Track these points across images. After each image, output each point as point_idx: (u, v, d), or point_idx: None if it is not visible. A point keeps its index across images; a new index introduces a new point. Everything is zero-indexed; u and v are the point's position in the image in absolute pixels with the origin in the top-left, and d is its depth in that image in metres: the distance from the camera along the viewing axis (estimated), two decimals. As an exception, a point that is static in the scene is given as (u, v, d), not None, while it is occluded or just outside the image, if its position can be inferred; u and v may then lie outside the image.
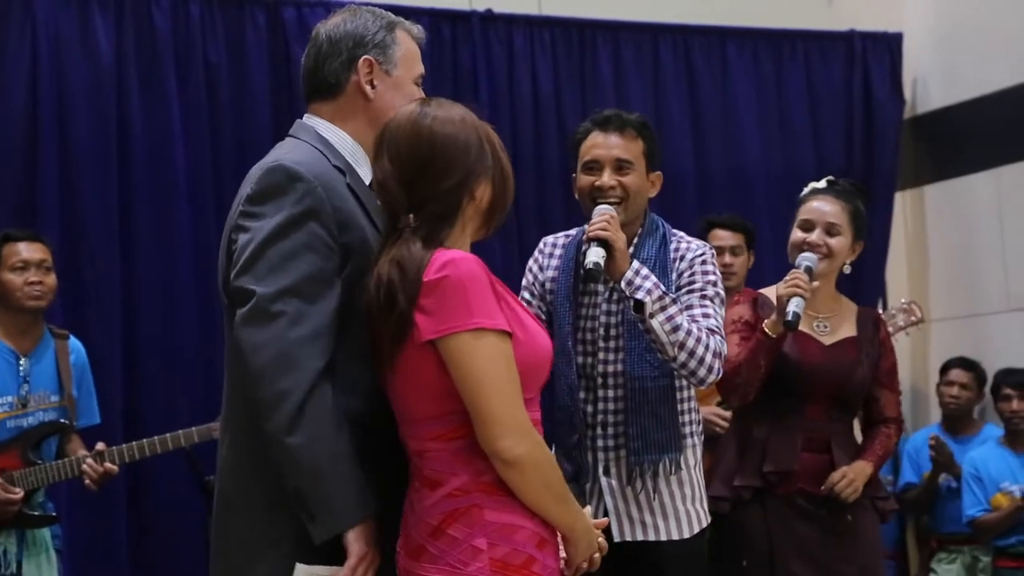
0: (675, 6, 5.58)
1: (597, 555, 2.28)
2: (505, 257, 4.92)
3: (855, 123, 5.75)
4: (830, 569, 3.34)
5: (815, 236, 3.35)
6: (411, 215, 2.18)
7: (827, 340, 3.40)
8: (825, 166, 5.66)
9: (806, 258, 3.30)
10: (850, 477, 3.33)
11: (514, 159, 5.45)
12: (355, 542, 2.15)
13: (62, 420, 3.86)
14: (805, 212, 3.41)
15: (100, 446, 3.74)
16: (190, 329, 4.56)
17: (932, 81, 5.86)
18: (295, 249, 2.20)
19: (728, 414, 4.24)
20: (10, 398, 3.76)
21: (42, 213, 4.44)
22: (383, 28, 2.47)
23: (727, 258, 4.51)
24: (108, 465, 3.72)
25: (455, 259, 2.13)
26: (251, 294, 2.18)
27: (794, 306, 3.15)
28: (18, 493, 3.65)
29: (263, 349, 2.16)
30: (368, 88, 2.43)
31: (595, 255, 2.85)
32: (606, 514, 3.02)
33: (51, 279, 3.88)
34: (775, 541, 3.33)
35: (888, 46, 5.83)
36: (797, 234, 3.38)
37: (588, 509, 2.35)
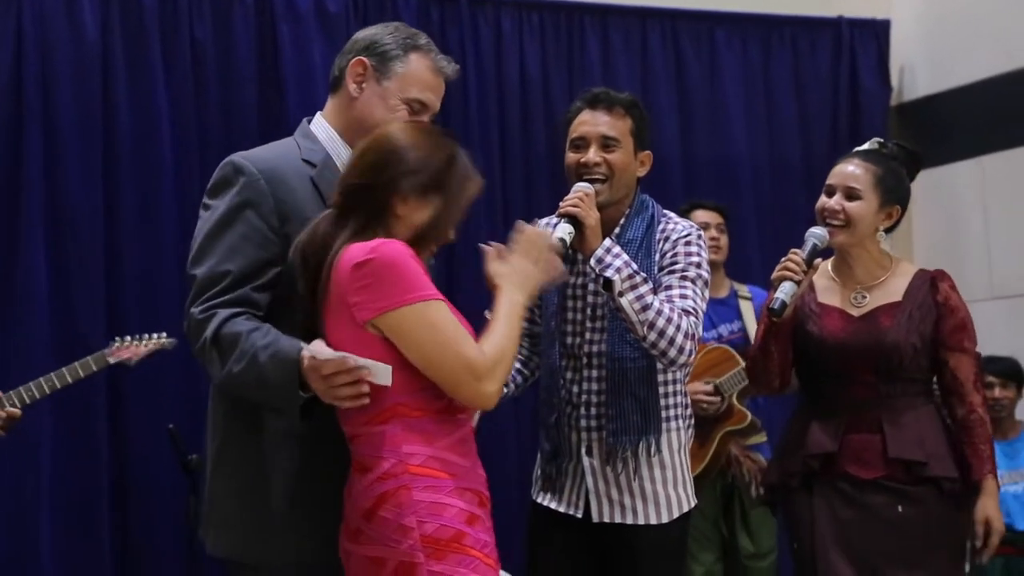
0: (663, -11, 5.58)
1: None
2: (493, 240, 4.90)
3: (841, 109, 5.76)
4: (869, 563, 3.09)
5: (833, 201, 3.17)
6: (338, 195, 2.35)
7: (860, 311, 3.18)
8: (811, 152, 5.70)
9: (813, 234, 3.15)
10: (981, 530, 3.11)
11: (501, 142, 5.53)
12: (313, 357, 2.24)
13: None
14: (830, 176, 3.24)
15: None
16: (175, 307, 4.49)
17: (919, 69, 5.87)
18: (230, 238, 2.39)
19: (710, 388, 4.27)
20: None
21: (26, 190, 4.42)
22: (400, 44, 2.57)
23: (714, 232, 4.55)
24: (10, 410, 3.69)
25: (385, 242, 2.27)
26: (192, 279, 2.41)
27: (782, 293, 3.05)
28: None
29: (192, 319, 2.38)
30: (354, 87, 2.55)
31: (561, 231, 2.85)
32: (587, 494, 3.02)
33: None
34: (817, 528, 3.13)
35: (876, 33, 5.83)
36: (820, 200, 3.22)
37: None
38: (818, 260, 3.12)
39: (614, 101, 3.06)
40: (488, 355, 2.27)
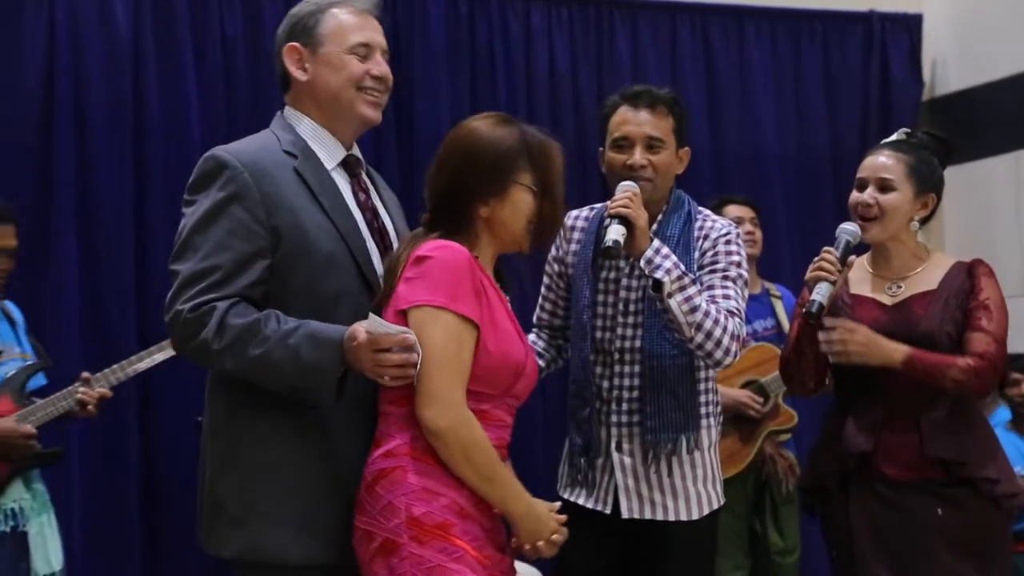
0: (693, -16, 5.56)
1: (542, 543, 2.40)
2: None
3: (872, 104, 5.72)
4: (909, 569, 2.96)
5: (866, 195, 3.07)
6: (428, 213, 2.44)
7: (893, 300, 3.07)
8: (841, 147, 5.66)
9: (844, 231, 3.05)
10: (848, 331, 2.94)
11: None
12: (352, 354, 2.28)
13: (41, 362, 3.84)
14: (860, 170, 3.14)
15: (85, 374, 3.76)
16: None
17: (951, 63, 5.82)
18: (217, 233, 2.37)
19: (758, 397, 4.26)
20: None
21: (58, 186, 4.45)
22: (313, 11, 2.57)
23: (748, 226, 4.53)
24: (101, 390, 3.73)
25: (445, 245, 2.34)
26: (176, 275, 2.38)
27: (818, 295, 2.95)
28: (32, 430, 3.63)
29: (173, 321, 2.36)
30: (300, 72, 2.56)
31: (615, 233, 2.82)
32: (616, 490, 3.02)
33: (11, 264, 3.83)
34: (855, 537, 3.02)
35: (907, 27, 5.79)
36: (852, 195, 3.12)
37: (542, 502, 2.45)
38: (852, 257, 3.05)
39: (657, 99, 3.03)
40: (450, 398, 2.28)
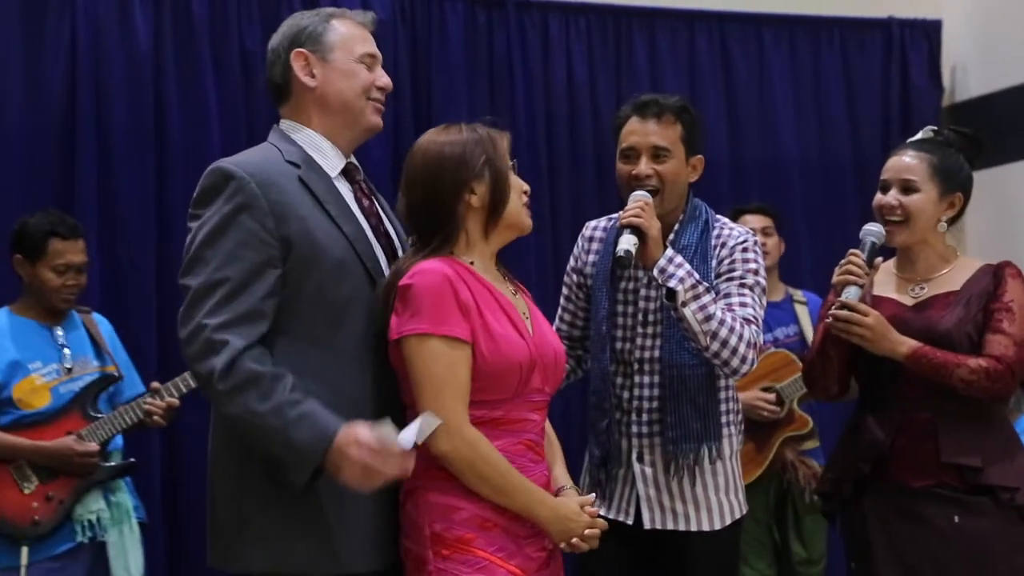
0: (711, -7, 5.56)
1: (576, 540, 2.43)
2: (539, 245, 4.92)
3: (892, 111, 5.70)
4: None
5: (890, 197, 3.00)
6: (415, 236, 2.47)
7: (914, 301, 3.00)
8: (861, 154, 5.64)
9: (869, 232, 2.99)
10: (861, 312, 2.85)
11: (548, 146, 5.51)
12: (339, 461, 2.26)
13: (113, 374, 3.92)
14: (884, 171, 3.06)
15: (155, 384, 3.85)
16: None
17: (971, 69, 5.79)
18: (227, 245, 2.36)
19: (772, 397, 4.24)
20: (55, 365, 3.82)
21: (79, 197, 4.48)
22: (317, 21, 2.58)
23: (759, 237, 4.50)
24: (169, 399, 3.80)
25: (422, 270, 2.37)
26: (187, 289, 2.37)
27: (846, 297, 2.91)
28: (94, 446, 3.71)
29: (190, 337, 2.34)
30: (308, 79, 2.56)
31: (626, 242, 2.82)
32: (637, 501, 3.01)
33: (84, 279, 3.95)
34: (872, 543, 2.96)
35: (927, 33, 5.77)
36: (876, 197, 3.05)
37: (568, 496, 2.48)
38: (879, 259, 3.00)
39: (664, 108, 3.02)
40: (449, 421, 2.30)
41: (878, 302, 3.02)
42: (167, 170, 4.62)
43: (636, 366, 3.02)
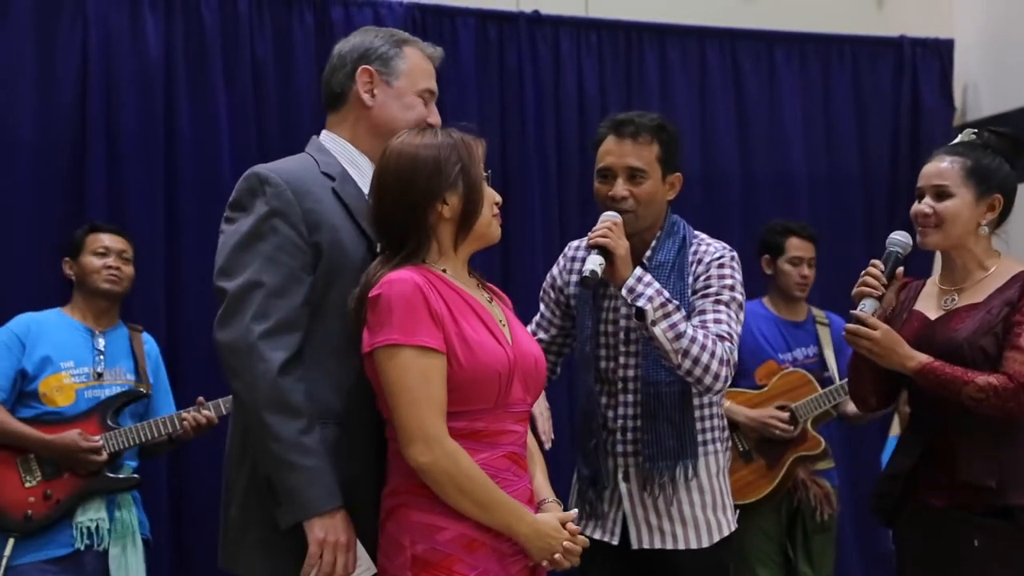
0: (722, 9, 5.55)
1: (558, 556, 2.37)
2: (547, 261, 4.88)
3: (903, 130, 5.69)
4: None
5: (923, 205, 2.91)
6: (384, 241, 2.40)
7: (940, 314, 2.92)
8: (872, 173, 5.64)
9: (894, 242, 2.92)
10: (871, 327, 2.80)
11: (559, 161, 5.51)
12: (315, 530, 2.32)
13: (141, 389, 3.95)
14: (919, 178, 2.97)
15: (200, 399, 3.89)
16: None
17: (982, 88, 5.79)
18: (263, 249, 2.38)
19: (786, 415, 4.23)
20: (86, 369, 3.86)
21: (90, 205, 4.48)
22: (391, 44, 2.62)
23: (804, 270, 4.48)
24: (206, 413, 3.84)
25: (391, 280, 2.31)
26: (224, 293, 2.39)
27: (862, 310, 2.86)
28: (99, 443, 3.72)
29: (231, 344, 2.36)
30: (367, 96, 2.58)
31: (592, 263, 2.82)
32: (624, 520, 2.99)
33: (129, 269, 4.04)
34: (905, 564, 2.94)
35: (939, 52, 5.76)
36: (913, 206, 2.96)
37: (550, 509, 2.44)
38: (900, 270, 2.92)
39: (640, 128, 3.00)
40: (427, 432, 2.26)
41: (911, 315, 2.96)
42: (177, 177, 4.63)
43: (620, 385, 3.02)
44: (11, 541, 3.63)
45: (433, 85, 2.63)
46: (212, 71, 4.69)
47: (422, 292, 2.30)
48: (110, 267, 3.96)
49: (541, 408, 3.12)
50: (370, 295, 2.32)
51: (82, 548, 3.72)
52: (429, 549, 2.27)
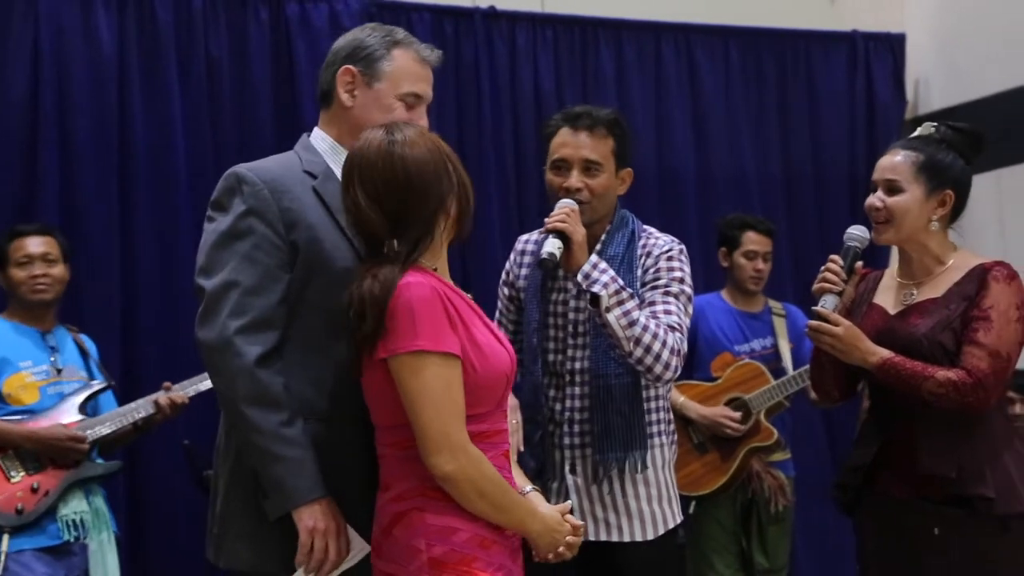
0: (677, 5, 5.58)
1: (562, 548, 2.40)
2: (506, 255, 4.85)
3: (857, 124, 5.75)
4: None
5: (874, 199, 2.94)
6: (394, 240, 2.31)
7: (899, 309, 2.94)
8: (826, 167, 5.69)
9: (852, 237, 2.96)
10: (833, 323, 2.84)
11: (516, 156, 5.52)
12: (304, 519, 2.33)
13: (101, 383, 3.95)
14: (874, 171, 2.98)
15: (167, 384, 3.90)
16: (191, 322, 4.52)
17: (934, 82, 5.86)
18: (240, 248, 2.41)
19: (737, 415, 4.26)
20: (45, 367, 3.85)
21: (42, 205, 4.43)
22: (382, 44, 2.58)
23: (759, 264, 4.52)
24: (180, 393, 3.85)
25: (410, 284, 2.26)
26: (202, 291, 2.41)
27: (823, 305, 2.88)
28: (83, 433, 3.73)
29: (209, 342, 2.38)
30: (346, 97, 2.57)
31: (551, 246, 2.84)
32: (571, 513, 2.99)
33: (57, 270, 3.97)
34: (866, 553, 2.96)
35: (890, 47, 5.83)
36: (867, 199, 2.98)
37: (548, 507, 2.45)
38: (859, 264, 2.95)
39: (596, 121, 3.03)
40: (453, 441, 2.23)
41: (870, 309, 2.99)
42: (131, 176, 4.59)
43: (567, 378, 3.03)
44: (6, 536, 3.64)
45: (420, 88, 2.59)
46: (166, 69, 4.65)
47: (440, 297, 2.26)
48: (35, 276, 3.88)
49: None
50: (392, 298, 2.24)
51: (71, 540, 3.74)
52: (448, 551, 2.24)
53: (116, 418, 3.83)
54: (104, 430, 3.79)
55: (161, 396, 3.86)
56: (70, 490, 3.76)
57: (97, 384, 3.93)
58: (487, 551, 2.27)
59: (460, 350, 2.26)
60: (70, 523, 3.74)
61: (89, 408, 3.89)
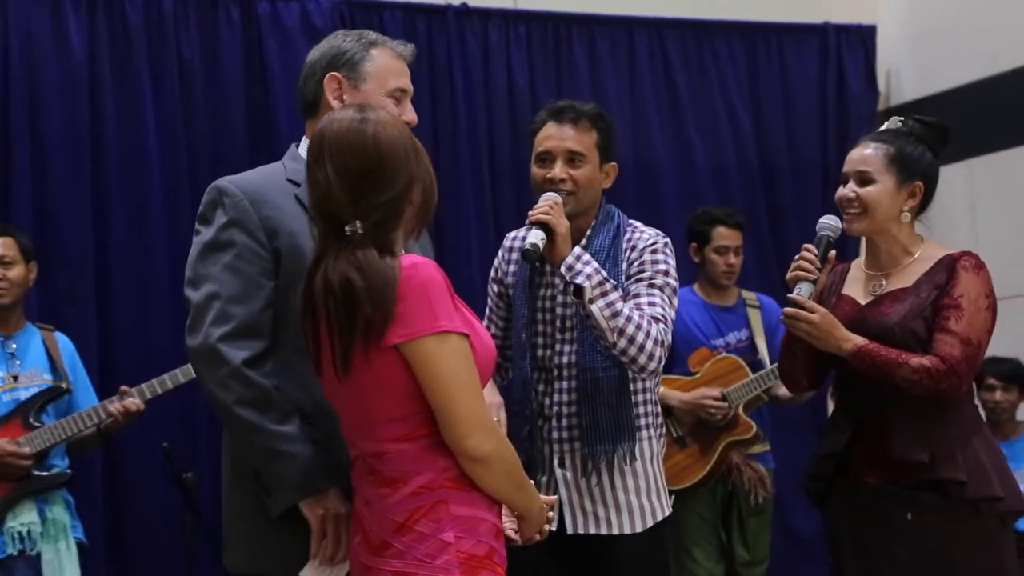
0: (650, 0, 5.59)
1: (545, 527, 2.41)
2: (482, 253, 4.92)
3: (829, 115, 5.78)
4: None
5: (847, 190, 2.99)
6: (357, 222, 2.20)
7: (870, 299, 2.99)
8: (799, 158, 5.71)
9: (824, 226, 3.00)
10: (808, 310, 2.87)
11: (490, 152, 5.52)
12: (312, 508, 2.36)
13: (62, 385, 3.90)
14: (845, 163, 3.04)
15: (123, 388, 3.86)
16: (165, 324, 4.54)
17: (905, 73, 5.89)
18: (222, 259, 2.46)
19: (718, 393, 4.28)
20: (1, 373, 3.82)
21: (15, 210, 4.42)
22: (359, 47, 2.62)
23: (731, 258, 4.53)
24: (132, 400, 3.81)
25: (416, 264, 2.19)
26: (188, 302, 2.46)
27: (798, 293, 2.92)
28: (23, 448, 3.70)
29: (196, 351, 2.43)
30: (336, 103, 2.58)
31: (534, 237, 2.85)
32: (560, 506, 3.01)
33: (14, 272, 3.92)
34: (840, 540, 2.98)
35: (862, 39, 5.86)
36: (837, 191, 3.04)
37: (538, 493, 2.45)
38: (832, 253, 3.00)
39: (580, 114, 3.05)
40: (485, 420, 2.17)
41: (840, 300, 3.03)
42: (104, 182, 4.57)
43: (556, 372, 3.04)
44: None
45: (404, 83, 2.63)
46: (138, 71, 4.63)
47: (443, 275, 2.21)
48: None
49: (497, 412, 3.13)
50: (403, 278, 2.13)
51: (15, 554, 3.69)
52: (476, 543, 2.18)
53: (67, 426, 3.78)
54: (44, 443, 3.74)
55: (116, 404, 3.82)
56: (19, 502, 3.71)
57: (48, 388, 3.84)
58: (498, 541, 2.25)
59: (467, 331, 2.21)
60: (16, 535, 3.70)
61: (54, 411, 3.85)
